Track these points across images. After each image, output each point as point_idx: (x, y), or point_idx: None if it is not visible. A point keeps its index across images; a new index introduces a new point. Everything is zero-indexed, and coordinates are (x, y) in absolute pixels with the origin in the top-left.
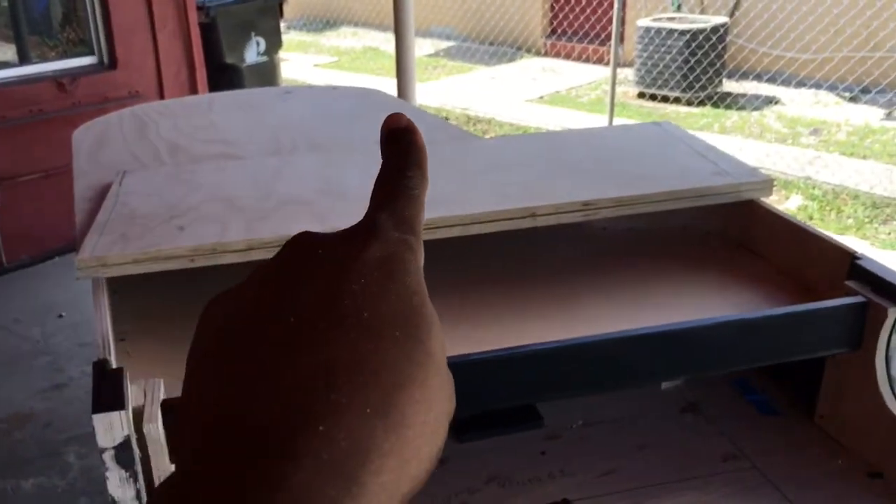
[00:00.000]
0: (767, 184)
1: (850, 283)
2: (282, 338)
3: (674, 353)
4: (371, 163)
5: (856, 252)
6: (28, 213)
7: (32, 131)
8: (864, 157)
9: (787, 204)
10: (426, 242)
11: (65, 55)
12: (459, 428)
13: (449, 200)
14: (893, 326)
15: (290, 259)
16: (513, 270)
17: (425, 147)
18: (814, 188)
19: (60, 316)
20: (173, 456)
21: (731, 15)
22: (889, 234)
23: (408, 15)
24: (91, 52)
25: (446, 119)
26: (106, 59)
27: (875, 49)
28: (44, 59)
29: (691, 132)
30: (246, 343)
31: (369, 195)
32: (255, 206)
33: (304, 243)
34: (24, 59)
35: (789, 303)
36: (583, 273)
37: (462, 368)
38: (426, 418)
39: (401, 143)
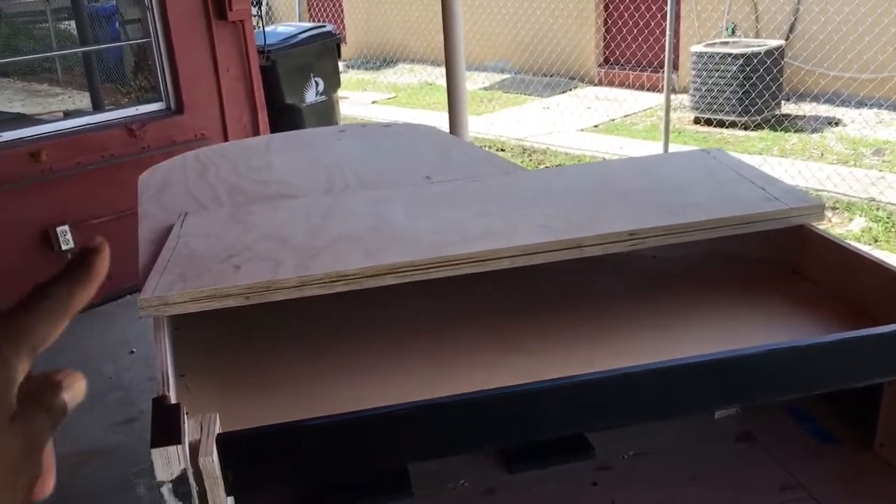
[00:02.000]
0: (818, 209)
1: None
2: None
3: (726, 382)
4: (419, 200)
5: None
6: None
7: (104, 175)
8: None
9: (850, 226)
10: (476, 275)
11: (136, 101)
12: (510, 458)
13: (496, 233)
14: None
15: None
16: (561, 300)
17: (97, 272)
18: (878, 209)
19: (132, 352)
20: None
21: (787, 37)
22: None
23: (458, 50)
24: (159, 99)
25: (501, 150)
26: (173, 105)
27: None
28: (117, 105)
29: (750, 156)
30: None
31: (417, 231)
32: (306, 244)
33: None
34: (97, 106)
35: (842, 329)
36: (632, 301)
37: (510, 400)
38: None
39: (76, 260)
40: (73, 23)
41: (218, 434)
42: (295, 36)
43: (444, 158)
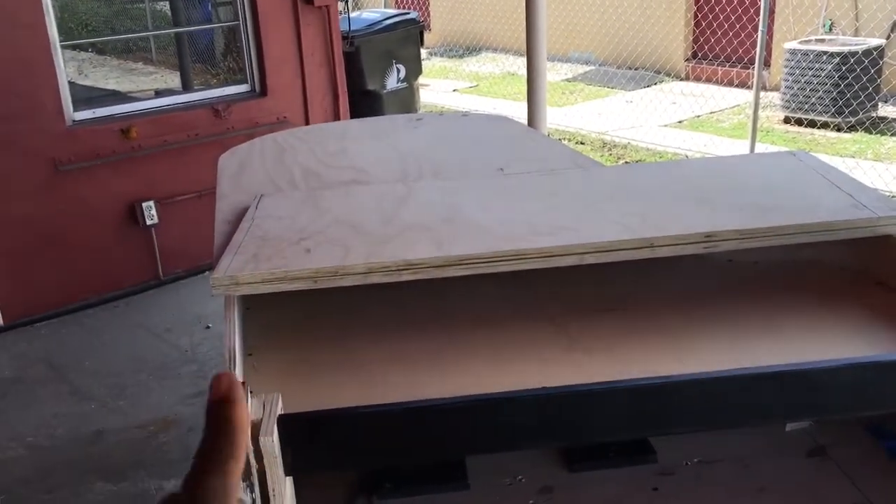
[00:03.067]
0: None
1: None
2: None
3: (799, 394)
4: (491, 191)
5: None
6: (183, 230)
7: (189, 154)
8: None
9: None
10: (539, 271)
11: (225, 83)
12: (570, 457)
13: (567, 229)
14: None
15: None
16: (631, 300)
17: (243, 423)
18: None
19: (208, 327)
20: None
21: (888, 36)
22: None
23: (540, 40)
24: (244, 81)
25: (581, 143)
26: (257, 87)
27: None
28: (206, 85)
29: (841, 159)
30: None
31: (488, 223)
32: (377, 231)
33: None
34: (186, 86)
35: None
36: (705, 305)
37: (572, 399)
38: None
39: (214, 424)
40: (168, 4)
41: (279, 414)
42: (379, 22)
43: (518, 150)
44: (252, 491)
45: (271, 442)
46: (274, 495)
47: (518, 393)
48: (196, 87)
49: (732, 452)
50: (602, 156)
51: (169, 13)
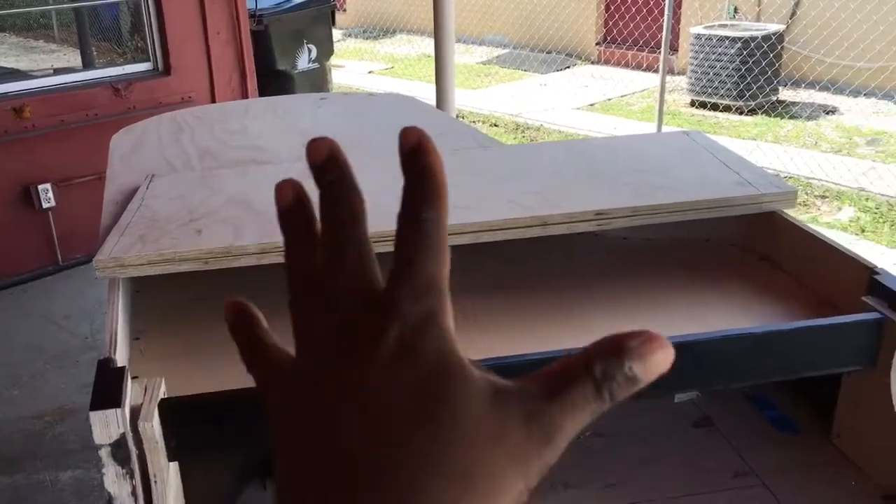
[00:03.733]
0: (791, 195)
1: (868, 299)
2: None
3: (684, 366)
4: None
5: (875, 267)
6: (82, 214)
7: (88, 134)
8: None
9: (838, 215)
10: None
11: (133, 61)
12: None
13: (463, 208)
14: None
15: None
16: (526, 278)
17: (440, 167)
18: (867, 200)
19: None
20: None
21: (787, 22)
22: None
23: (448, 22)
24: (147, 59)
25: (495, 126)
26: (160, 66)
27: None
28: (112, 64)
29: (743, 141)
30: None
31: (386, 200)
32: (271, 211)
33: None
34: (87, 64)
35: (808, 317)
36: (598, 283)
37: None
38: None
39: (413, 172)
40: None
41: (161, 399)
42: (289, 1)
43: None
44: (132, 478)
45: (151, 427)
46: (155, 482)
47: None
48: (98, 66)
49: (623, 425)
50: (515, 138)
51: None
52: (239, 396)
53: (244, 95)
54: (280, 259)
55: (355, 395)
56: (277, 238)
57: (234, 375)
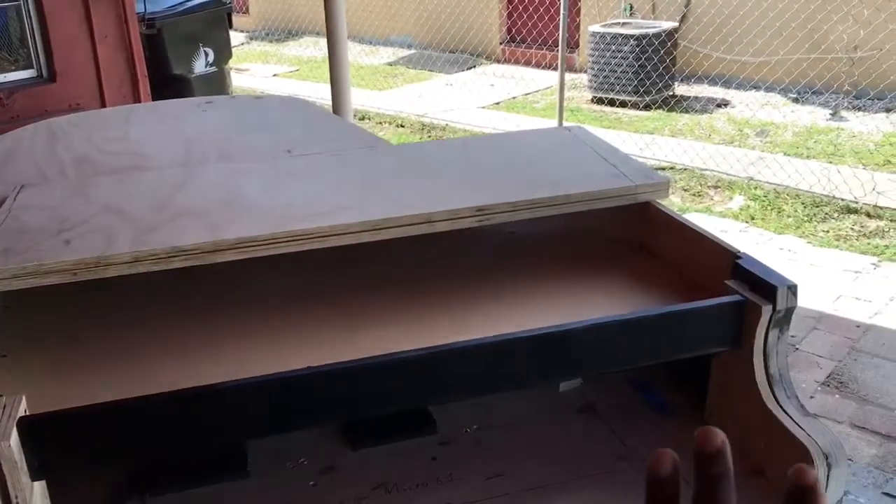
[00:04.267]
0: (663, 185)
1: (730, 283)
2: None
3: (555, 354)
4: (276, 173)
5: (738, 251)
6: None
7: None
8: (807, 157)
9: (730, 204)
10: (334, 251)
11: (20, 68)
12: (352, 435)
13: (346, 208)
14: (769, 325)
15: None
16: (410, 275)
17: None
18: (756, 188)
19: None
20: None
21: (681, 19)
22: (827, 231)
23: (339, 22)
24: (30, 66)
25: (401, 126)
26: (45, 73)
27: (819, 49)
28: (4, 72)
29: (640, 136)
30: None
31: (269, 205)
32: (147, 218)
33: None
34: None
35: (680, 302)
36: (483, 277)
37: (351, 374)
38: None
39: (714, 474)
40: None
41: (20, 417)
42: (181, 4)
43: (309, 132)
44: None
45: (8, 447)
46: (17, 503)
47: (288, 373)
48: None
49: (509, 416)
50: (421, 138)
51: None
52: (107, 410)
53: (136, 101)
54: (154, 267)
55: None
56: (152, 245)
57: (111, 388)
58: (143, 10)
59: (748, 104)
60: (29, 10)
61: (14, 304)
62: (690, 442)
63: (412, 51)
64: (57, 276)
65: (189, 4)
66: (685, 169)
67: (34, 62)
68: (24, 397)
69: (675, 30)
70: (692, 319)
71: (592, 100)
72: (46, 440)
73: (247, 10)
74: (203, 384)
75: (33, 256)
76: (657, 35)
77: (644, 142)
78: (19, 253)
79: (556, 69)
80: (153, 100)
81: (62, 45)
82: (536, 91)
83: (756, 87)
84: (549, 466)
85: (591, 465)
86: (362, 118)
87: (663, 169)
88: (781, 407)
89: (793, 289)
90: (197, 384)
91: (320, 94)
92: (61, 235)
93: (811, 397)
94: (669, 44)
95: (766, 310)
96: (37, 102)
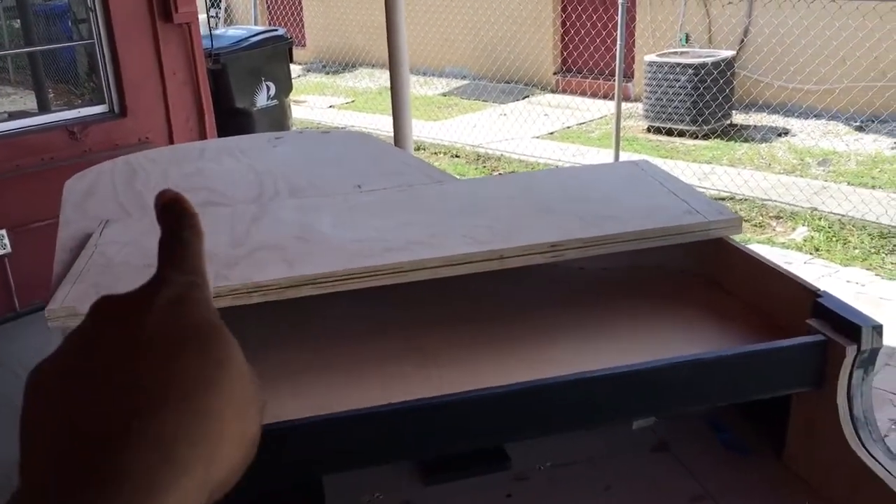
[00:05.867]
0: (736, 221)
1: (812, 322)
2: (103, 380)
3: (633, 393)
4: (347, 208)
5: (818, 290)
6: (40, 259)
7: (44, 179)
8: (873, 187)
9: (793, 235)
10: (403, 286)
11: (91, 103)
12: (426, 471)
13: (420, 244)
14: (853, 365)
15: (95, 322)
16: (485, 311)
17: (193, 209)
18: (820, 219)
19: None
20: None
21: (738, 47)
22: None
23: (402, 56)
24: (102, 101)
25: (456, 157)
26: (116, 108)
27: (885, 77)
28: (69, 107)
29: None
30: (77, 385)
31: (342, 240)
32: (226, 254)
33: (104, 305)
34: (43, 107)
35: (756, 340)
36: (555, 314)
37: (429, 411)
38: (227, 407)
39: (172, 211)
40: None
41: None
42: (245, 39)
43: (376, 167)
44: None
45: None
46: None
47: (364, 410)
48: (55, 108)
49: (583, 453)
50: (476, 168)
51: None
52: None
53: (202, 135)
54: (235, 302)
55: (137, 344)
56: (231, 281)
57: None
58: (210, 46)
59: (809, 133)
60: (102, 48)
61: None
62: (769, 484)
63: (466, 81)
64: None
65: (253, 40)
66: (745, 199)
67: (106, 97)
68: None
69: (734, 58)
70: (773, 359)
71: (648, 129)
72: None
73: (304, 43)
74: (279, 420)
75: (122, 291)
76: (715, 64)
77: (703, 171)
78: (107, 288)
79: (609, 99)
80: (217, 133)
81: (133, 81)
82: (590, 121)
83: (817, 116)
84: None
85: None
86: (418, 148)
87: (723, 199)
88: (867, 450)
89: (878, 329)
90: (273, 420)
91: (376, 125)
92: (146, 270)
93: (885, 436)
94: (728, 73)
95: (851, 350)
96: (108, 136)
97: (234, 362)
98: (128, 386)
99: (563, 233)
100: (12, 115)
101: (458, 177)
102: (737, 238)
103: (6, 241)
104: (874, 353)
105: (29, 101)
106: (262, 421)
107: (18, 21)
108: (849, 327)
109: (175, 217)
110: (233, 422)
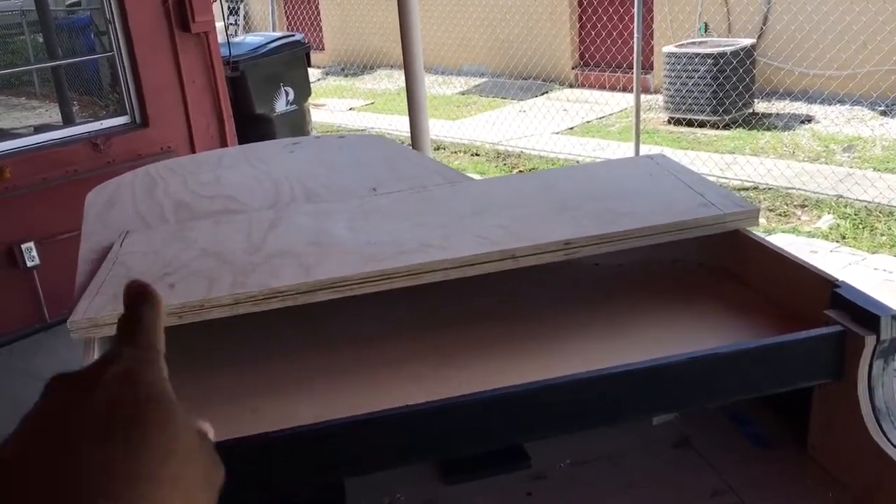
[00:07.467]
0: (753, 213)
1: (830, 313)
2: (50, 465)
3: (653, 389)
4: (361, 212)
5: (836, 280)
6: (68, 270)
7: (69, 191)
8: None
9: (818, 223)
10: (419, 287)
11: (111, 115)
12: (447, 470)
13: (433, 246)
14: (873, 355)
15: (47, 402)
16: (501, 309)
17: (155, 291)
18: (846, 206)
19: None
20: None
21: (758, 35)
22: None
23: (416, 56)
24: (124, 112)
25: (476, 155)
26: (138, 118)
27: None
28: (90, 119)
29: (721, 156)
30: (25, 472)
31: (356, 244)
32: (243, 260)
33: (54, 384)
34: (67, 120)
35: (775, 332)
36: (572, 310)
37: (448, 411)
38: (175, 474)
39: (133, 291)
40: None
41: None
42: (263, 46)
43: (392, 169)
44: None
45: None
46: None
47: (384, 412)
48: (78, 121)
49: (603, 451)
50: (496, 165)
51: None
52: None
53: (223, 142)
54: (253, 308)
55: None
56: (249, 288)
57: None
58: (228, 54)
59: (833, 119)
60: (122, 60)
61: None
62: (792, 477)
63: (484, 79)
64: (165, 320)
65: (270, 46)
66: (769, 188)
67: (127, 108)
68: None
69: (754, 46)
70: (792, 351)
71: (669, 121)
72: None
73: (322, 46)
74: (297, 424)
75: None
76: (735, 53)
77: (725, 162)
78: None
79: (629, 92)
80: (238, 139)
81: (153, 92)
82: (610, 114)
83: (841, 102)
84: (646, 502)
85: (689, 500)
86: (437, 148)
87: (746, 189)
88: (890, 441)
89: None
90: (291, 424)
91: (396, 126)
92: (165, 279)
93: None
94: (748, 61)
95: (870, 340)
96: (130, 147)
97: (178, 440)
98: (71, 471)
99: (577, 230)
100: (38, 129)
101: (477, 175)
102: (762, 228)
103: (34, 252)
104: (894, 342)
105: (54, 113)
106: (215, 499)
107: (42, 35)
108: (867, 317)
109: (134, 295)
110: (182, 490)
